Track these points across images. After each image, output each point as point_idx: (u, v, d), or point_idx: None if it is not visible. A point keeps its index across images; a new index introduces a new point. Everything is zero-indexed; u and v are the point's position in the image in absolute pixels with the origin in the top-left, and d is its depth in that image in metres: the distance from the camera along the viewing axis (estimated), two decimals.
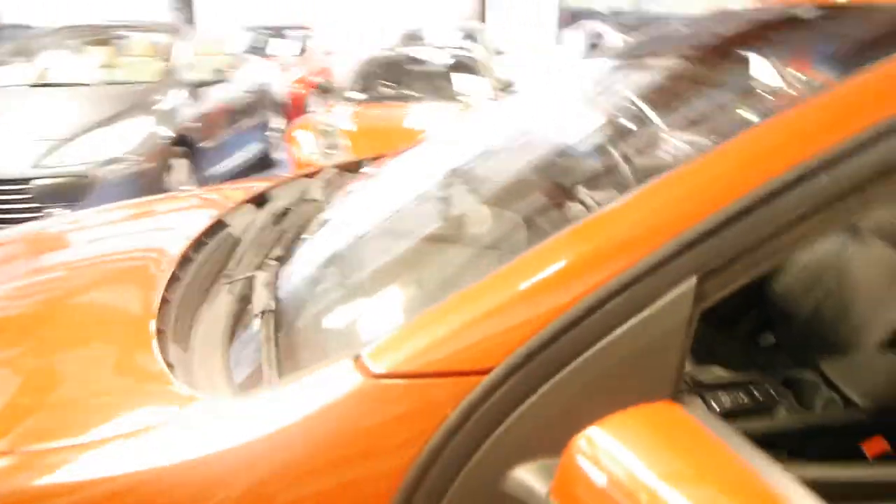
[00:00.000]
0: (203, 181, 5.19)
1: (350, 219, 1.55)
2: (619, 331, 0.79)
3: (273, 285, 1.25)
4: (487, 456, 0.79)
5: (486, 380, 0.78)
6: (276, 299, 1.19)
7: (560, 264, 0.82)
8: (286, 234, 1.51)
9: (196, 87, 5.49)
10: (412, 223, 1.45)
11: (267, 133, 7.08)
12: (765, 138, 0.83)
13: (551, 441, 0.78)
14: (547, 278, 0.82)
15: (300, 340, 1.09)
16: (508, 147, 1.65)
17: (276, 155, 7.12)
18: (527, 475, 0.79)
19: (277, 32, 11.45)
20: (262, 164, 6.92)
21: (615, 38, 7.01)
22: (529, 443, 0.80)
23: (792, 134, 0.83)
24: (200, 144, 5.34)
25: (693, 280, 0.78)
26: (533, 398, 0.79)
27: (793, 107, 0.86)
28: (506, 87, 6.39)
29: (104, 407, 0.96)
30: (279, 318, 1.14)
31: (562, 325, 0.79)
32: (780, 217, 0.78)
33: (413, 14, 13.31)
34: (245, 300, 1.26)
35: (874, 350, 1.29)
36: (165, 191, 4.52)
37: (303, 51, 10.99)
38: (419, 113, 5.80)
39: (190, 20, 12.70)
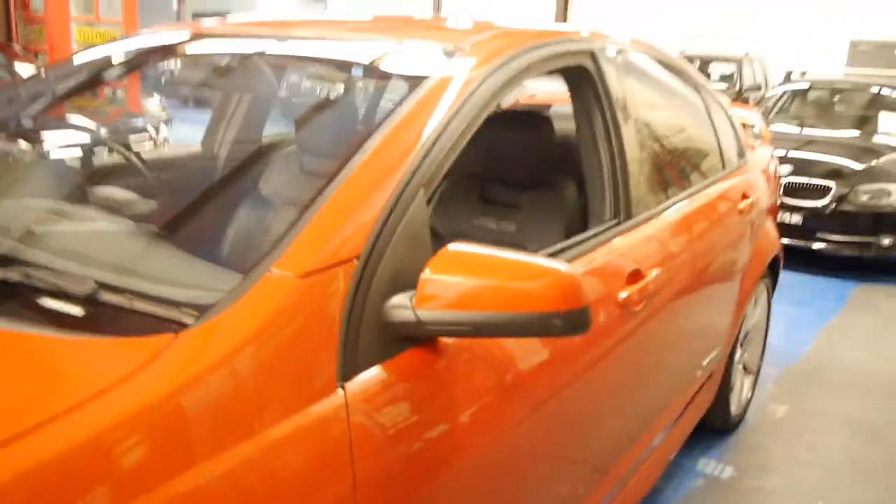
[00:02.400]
0: None
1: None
2: (406, 216, 1.32)
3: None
4: (374, 298, 1.24)
5: (358, 260, 1.23)
6: None
7: (367, 188, 1.32)
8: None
9: None
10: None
11: None
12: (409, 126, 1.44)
13: (405, 282, 1.28)
14: (361, 196, 1.30)
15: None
16: None
17: None
18: (397, 300, 1.26)
19: None
20: None
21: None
22: (392, 287, 1.27)
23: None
24: None
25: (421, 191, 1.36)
26: (384, 262, 1.26)
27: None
28: None
29: None
30: None
31: (381, 223, 1.28)
32: (439, 153, 1.41)
33: None
34: None
35: None
36: None
37: None
38: None
39: None
